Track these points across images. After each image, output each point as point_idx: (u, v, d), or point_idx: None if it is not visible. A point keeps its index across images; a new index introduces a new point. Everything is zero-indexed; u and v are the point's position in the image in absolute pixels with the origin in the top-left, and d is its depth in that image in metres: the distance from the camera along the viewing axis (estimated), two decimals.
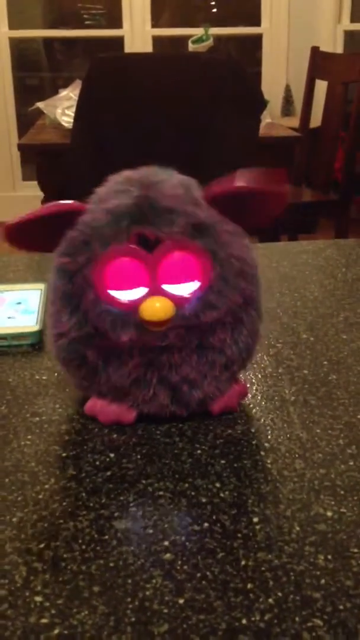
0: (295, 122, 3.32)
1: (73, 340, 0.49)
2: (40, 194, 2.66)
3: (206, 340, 0.49)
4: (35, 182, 2.70)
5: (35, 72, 4.58)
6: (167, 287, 0.47)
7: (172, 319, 0.46)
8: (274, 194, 0.48)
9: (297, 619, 0.35)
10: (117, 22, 4.29)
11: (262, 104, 2.36)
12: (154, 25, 4.25)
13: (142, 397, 0.50)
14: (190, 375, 0.49)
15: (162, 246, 0.46)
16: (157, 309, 0.46)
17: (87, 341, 0.49)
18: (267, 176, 0.48)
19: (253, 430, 0.51)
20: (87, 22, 4.43)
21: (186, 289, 0.47)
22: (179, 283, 0.47)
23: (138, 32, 4.25)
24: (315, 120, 3.14)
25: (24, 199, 4.29)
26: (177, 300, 0.46)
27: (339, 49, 4.15)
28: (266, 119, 2.68)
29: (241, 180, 0.47)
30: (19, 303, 0.71)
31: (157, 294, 0.46)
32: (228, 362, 0.50)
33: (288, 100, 4.18)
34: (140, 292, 0.46)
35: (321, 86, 3.04)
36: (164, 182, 0.47)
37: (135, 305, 0.46)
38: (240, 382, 0.53)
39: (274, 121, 2.99)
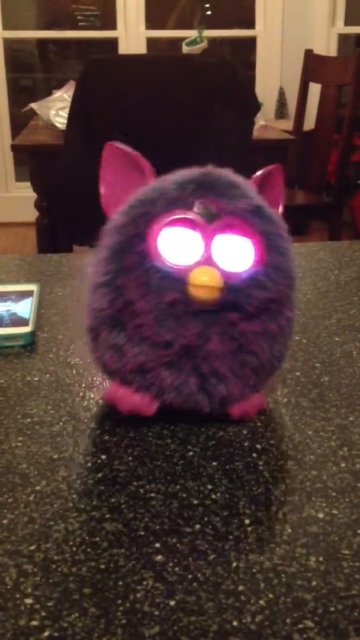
0: (288, 124, 3.32)
1: (115, 307, 0.47)
2: (33, 195, 2.66)
3: (247, 347, 0.48)
4: (29, 183, 2.70)
5: (29, 73, 4.58)
6: (219, 261, 0.46)
7: (222, 292, 0.46)
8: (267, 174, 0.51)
9: (288, 620, 0.35)
10: (111, 24, 4.29)
11: (256, 106, 2.36)
12: (148, 27, 4.25)
13: (170, 381, 0.48)
14: (220, 370, 0.48)
15: (222, 219, 0.46)
16: (206, 276, 0.45)
17: (128, 309, 0.47)
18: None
19: (245, 432, 0.51)
20: (81, 24, 4.43)
21: (238, 265, 0.47)
22: (233, 259, 0.47)
23: (132, 33, 4.25)
24: (309, 123, 3.16)
25: (17, 199, 4.29)
26: (227, 275, 0.46)
27: (333, 52, 4.16)
28: (260, 121, 2.68)
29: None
30: (11, 304, 0.70)
31: (209, 265, 0.46)
32: (259, 366, 0.49)
33: (282, 102, 4.20)
34: (192, 259, 0.46)
35: (315, 89, 3.05)
36: (226, 170, 0.48)
37: (184, 271, 0.46)
38: (261, 394, 0.52)
39: (267, 124, 3.00)
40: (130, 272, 0.47)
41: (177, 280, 0.46)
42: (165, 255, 0.46)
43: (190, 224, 0.46)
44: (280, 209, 0.52)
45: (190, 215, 0.46)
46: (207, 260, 0.46)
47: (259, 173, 0.51)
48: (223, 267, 0.46)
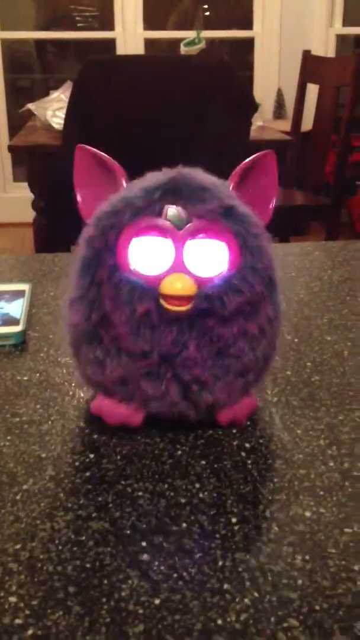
0: (286, 125, 3.32)
1: (91, 321, 0.47)
2: (31, 195, 2.66)
3: (227, 351, 0.47)
4: (26, 184, 2.70)
5: (27, 74, 4.58)
6: (191, 266, 0.45)
7: (195, 300, 0.45)
8: (259, 159, 0.50)
9: (272, 619, 0.35)
10: (109, 24, 4.29)
11: (253, 106, 2.36)
12: (146, 28, 4.25)
13: (152, 392, 0.48)
14: (202, 377, 0.47)
15: (192, 224, 0.45)
16: (178, 284, 0.44)
17: (104, 322, 0.47)
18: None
19: (234, 431, 0.51)
20: (79, 24, 4.43)
21: (212, 270, 0.46)
22: (205, 264, 0.46)
23: (130, 34, 4.25)
24: (307, 123, 3.15)
25: (14, 200, 4.29)
26: (200, 281, 0.45)
27: (331, 53, 4.16)
28: (257, 122, 2.69)
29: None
30: (3, 303, 0.70)
31: (181, 272, 0.45)
32: (244, 370, 0.49)
33: (280, 103, 4.20)
34: (163, 267, 0.45)
35: (313, 90, 3.05)
36: (200, 172, 0.47)
37: (156, 280, 0.45)
38: (251, 396, 0.52)
39: (265, 124, 3.00)
40: (102, 286, 0.46)
41: (148, 290, 0.45)
42: (137, 266, 0.45)
43: (160, 231, 0.45)
44: (274, 200, 0.50)
45: (158, 223, 0.45)
46: (179, 267, 0.45)
47: (246, 160, 0.49)
48: (196, 273, 0.45)
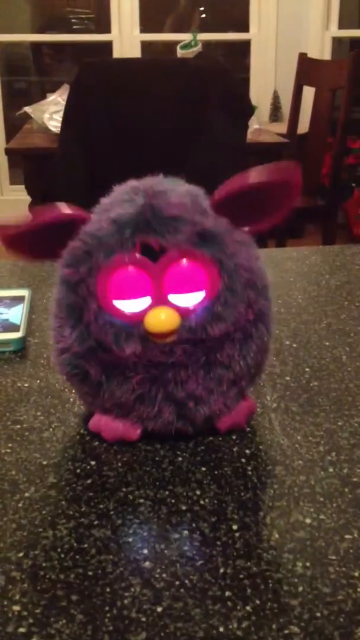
0: (283, 128, 3.33)
1: (76, 355, 0.48)
2: (27, 198, 2.66)
3: (213, 356, 0.47)
4: (23, 186, 2.70)
5: (23, 76, 4.58)
6: (172, 298, 0.45)
7: (178, 331, 0.45)
8: (283, 184, 0.45)
9: (274, 626, 0.35)
10: (105, 27, 4.29)
11: (250, 109, 2.36)
12: (142, 31, 4.26)
13: (146, 414, 0.48)
14: (197, 392, 0.48)
15: (166, 255, 0.45)
16: (162, 319, 0.45)
17: (90, 355, 0.47)
18: (277, 169, 0.46)
19: (234, 438, 0.51)
20: (75, 27, 4.43)
21: (192, 299, 0.46)
22: (185, 293, 0.45)
23: (127, 37, 4.26)
24: (303, 126, 3.16)
25: (11, 203, 4.29)
26: (182, 311, 0.45)
27: (327, 56, 4.17)
28: (254, 124, 2.69)
29: (245, 178, 0.45)
30: (2, 309, 0.70)
31: (162, 305, 0.45)
32: (236, 378, 0.49)
33: (276, 106, 4.20)
34: (144, 302, 0.45)
35: (309, 92, 3.05)
36: (169, 191, 0.45)
37: (139, 316, 0.45)
38: (248, 399, 0.52)
39: (262, 127, 3.00)
40: (89, 326, 0.46)
41: (132, 331, 0.46)
42: (118, 305, 0.45)
43: (135, 266, 0.45)
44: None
45: (133, 259, 0.45)
46: (160, 300, 0.45)
47: (270, 180, 0.45)
48: (177, 304, 0.45)
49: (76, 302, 0.47)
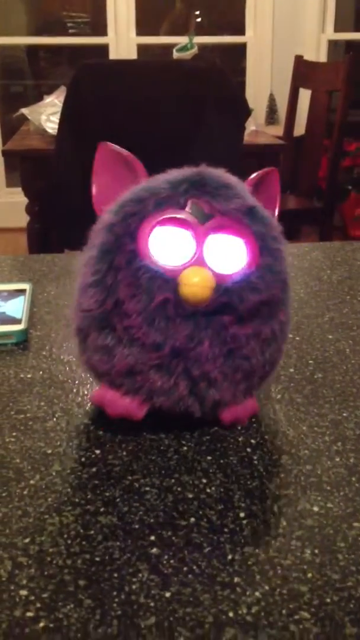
0: (279, 130, 3.34)
1: (105, 307, 0.46)
2: (25, 200, 2.65)
3: (239, 352, 0.47)
4: (19, 189, 2.70)
5: (19, 80, 4.59)
6: (211, 262, 0.45)
7: (213, 294, 0.45)
8: (264, 176, 0.51)
9: (284, 611, 0.35)
10: (101, 30, 4.30)
11: (246, 111, 2.37)
12: (139, 34, 4.26)
13: (160, 384, 0.47)
14: (212, 374, 0.47)
15: (215, 220, 0.45)
16: (197, 278, 0.44)
17: (115, 310, 0.46)
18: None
19: (239, 427, 0.51)
20: (70, 30, 4.43)
21: (231, 267, 0.46)
22: (225, 260, 0.46)
23: (123, 40, 4.26)
24: (299, 128, 3.17)
25: (7, 205, 4.28)
26: (219, 277, 0.45)
27: (323, 58, 4.18)
28: (251, 126, 2.69)
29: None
30: (3, 302, 0.70)
31: (201, 266, 0.45)
32: (251, 371, 0.48)
33: (272, 108, 4.21)
34: (183, 260, 0.45)
35: (305, 95, 3.06)
36: (220, 170, 0.47)
37: (176, 271, 0.45)
38: (254, 399, 0.52)
39: (258, 129, 3.01)
40: (120, 272, 0.46)
41: (167, 280, 0.45)
42: (156, 255, 0.45)
43: (182, 223, 0.45)
44: (276, 212, 0.52)
45: (182, 215, 0.45)
46: (199, 261, 0.45)
47: (254, 175, 0.50)
48: (215, 268, 0.46)
49: (114, 243, 0.46)
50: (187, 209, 0.45)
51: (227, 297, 0.46)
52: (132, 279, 0.45)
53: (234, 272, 0.46)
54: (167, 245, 0.46)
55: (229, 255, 0.46)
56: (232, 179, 0.47)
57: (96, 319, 0.47)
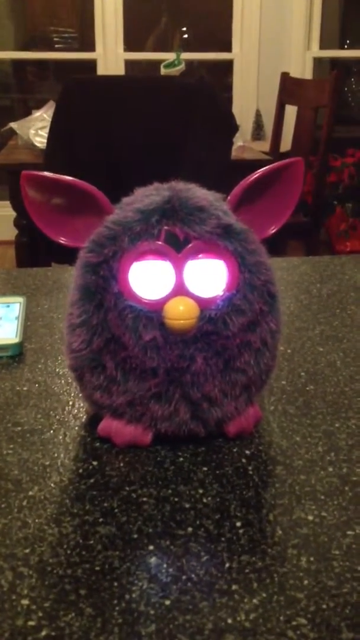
0: (265, 146, 3.36)
1: (91, 346, 0.47)
2: (11, 214, 2.66)
3: (233, 363, 0.48)
4: (8, 203, 2.70)
5: (6, 94, 4.60)
6: (193, 288, 0.46)
7: (198, 323, 0.46)
8: (288, 165, 0.51)
9: (281, 618, 0.35)
10: (89, 46, 4.32)
11: (234, 125, 2.39)
12: (127, 50, 4.29)
13: (161, 413, 0.48)
14: (212, 394, 0.48)
15: (191, 246, 0.45)
16: (181, 307, 0.45)
17: (107, 347, 0.47)
18: (279, 163, 0.51)
19: (234, 439, 0.51)
20: (57, 45, 4.45)
21: (212, 290, 0.46)
22: (206, 285, 0.46)
23: (111, 55, 4.29)
24: (285, 144, 3.19)
25: None
26: (202, 302, 0.46)
27: (308, 75, 4.22)
28: (238, 141, 2.71)
29: (252, 174, 0.49)
30: None
31: (183, 295, 0.46)
32: (249, 383, 0.49)
33: (258, 124, 4.24)
34: (165, 291, 0.46)
35: (291, 111, 3.09)
36: (192, 189, 0.47)
37: (159, 304, 0.46)
38: (255, 406, 0.52)
39: (245, 144, 3.03)
40: (108, 313, 0.46)
41: (151, 317, 0.46)
42: (139, 291, 0.46)
43: (159, 254, 0.46)
44: (292, 207, 0.52)
45: (157, 247, 0.45)
46: (180, 289, 0.46)
47: (255, 175, 0.49)
48: (197, 293, 0.46)
49: (97, 284, 0.46)
50: (162, 239, 0.45)
51: (212, 325, 0.47)
52: (118, 320, 0.46)
53: (217, 295, 0.46)
54: (148, 278, 0.46)
55: (209, 278, 0.46)
56: (205, 199, 0.47)
57: (87, 358, 0.48)
